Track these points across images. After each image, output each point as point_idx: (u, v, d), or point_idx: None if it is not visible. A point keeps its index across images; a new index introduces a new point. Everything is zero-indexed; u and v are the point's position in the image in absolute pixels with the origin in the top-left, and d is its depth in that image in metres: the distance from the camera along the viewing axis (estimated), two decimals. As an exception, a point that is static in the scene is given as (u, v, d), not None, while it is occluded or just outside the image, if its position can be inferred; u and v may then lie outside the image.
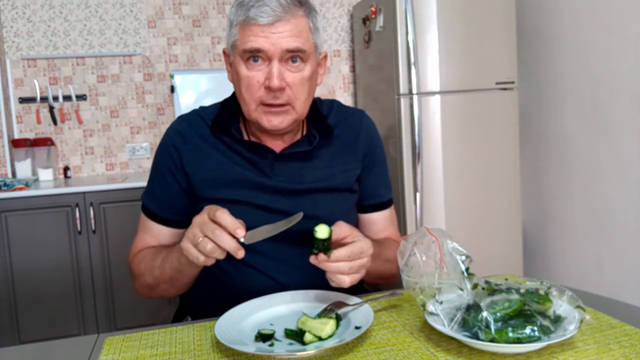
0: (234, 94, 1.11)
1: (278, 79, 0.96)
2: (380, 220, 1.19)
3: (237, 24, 0.97)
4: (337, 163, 1.11)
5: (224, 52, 1.07)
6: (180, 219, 1.11)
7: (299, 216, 0.87)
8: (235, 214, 1.05)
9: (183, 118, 1.13)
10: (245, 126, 1.10)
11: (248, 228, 1.05)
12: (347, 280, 0.85)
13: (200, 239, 0.82)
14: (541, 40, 2.79)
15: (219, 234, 0.81)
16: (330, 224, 1.07)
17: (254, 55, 0.96)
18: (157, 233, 1.12)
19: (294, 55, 0.97)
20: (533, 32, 2.84)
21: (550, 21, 2.71)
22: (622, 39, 2.29)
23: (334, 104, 1.18)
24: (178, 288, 1.04)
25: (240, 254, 0.82)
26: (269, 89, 0.97)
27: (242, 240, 0.83)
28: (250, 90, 0.98)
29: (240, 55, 0.98)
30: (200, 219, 0.84)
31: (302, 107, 1.02)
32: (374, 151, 1.17)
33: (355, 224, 1.17)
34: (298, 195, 1.07)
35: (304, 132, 1.12)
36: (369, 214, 1.18)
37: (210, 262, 0.84)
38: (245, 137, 1.09)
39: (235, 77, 1.02)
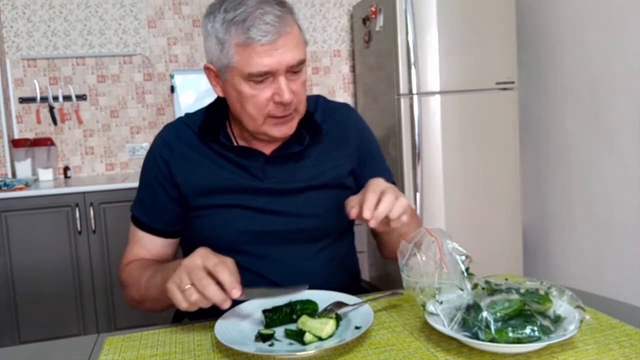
0: (217, 99, 1.10)
1: (288, 93, 0.95)
2: None
3: (233, 44, 0.93)
4: (327, 159, 1.11)
5: (207, 68, 1.02)
6: (172, 229, 1.10)
7: (302, 288, 0.85)
8: (229, 217, 1.05)
9: (170, 127, 1.12)
10: (233, 131, 1.09)
11: (244, 230, 1.05)
12: (399, 212, 0.85)
13: (187, 286, 0.80)
14: (541, 40, 2.79)
15: (206, 284, 0.78)
16: (324, 220, 1.07)
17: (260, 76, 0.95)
18: (148, 244, 1.10)
19: (296, 68, 0.97)
20: (533, 32, 2.84)
21: (550, 21, 2.71)
22: (622, 39, 2.29)
23: (319, 99, 1.17)
24: (163, 308, 1.02)
25: (226, 304, 0.80)
26: (279, 103, 0.96)
27: (235, 298, 0.80)
28: (258, 107, 0.97)
29: (241, 76, 0.95)
30: (191, 264, 0.81)
31: (303, 108, 1.03)
32: (367, 143, 1.17)
33: (351, 219, 1.16)
34: (291, 195, 1.07)
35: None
36: None
37: (193, 309, 0.81)
38: (234, 143, 1.08)
39: (235, 95, 0.99)
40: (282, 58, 0.93)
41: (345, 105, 1.20)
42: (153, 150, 1.10)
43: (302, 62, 0.96)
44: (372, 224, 0.84)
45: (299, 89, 0.98)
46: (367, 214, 0.84)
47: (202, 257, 0.82)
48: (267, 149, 1.07)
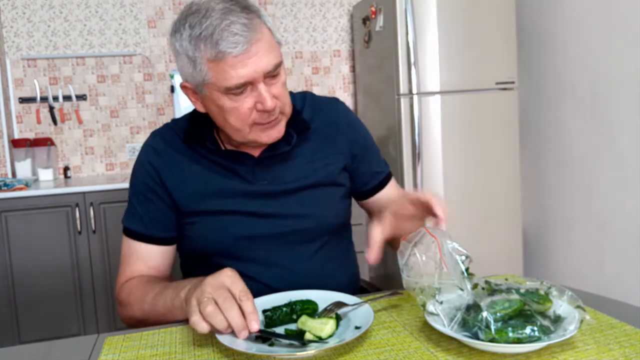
0: None
1: (271, 99, 0.93)
2: (387, 195, 1.17)
3: (205, 61, 0.90)
4: (317, 158, 1.09)
5: (184, 86, 0.99)
6: (168, 236, 1.08)
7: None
8: (223, 223, 1.04)
9: (156, 133, 1.10)
10: (220, 135, 1.07)
11: (238, 235, 1.04)
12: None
13: (208, 297, 0.78)
14: (541, 40, 2.79)
15: (230, 306, 0.77)
16: (318, 219, 1.07)
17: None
18: (145, 255, 1.07)
19: (274, 72, 0.94)
20: (533, 32, 2.84)
21: (550, 21, 2.71)
22: (623, 39, 2.29)
23: (306, 96, 1.15)
24: (165, 323, 0.99)
25: (244, 334, 0.77)
26: (262, 111, 0.94)
27: (252, 331, 0.78)
28: (241, 118, 0.94)
29: (219, 91, 0.92)
30: (218, 283, 0.80)
31: (289, 109, 1.01)
32: (358, 137, 1.15)
33: (346, 214, 1.16)
34: (283, 197, 1.05)
35: None
36: (375, 195, 1.17)
37: (203, 326, 0.78)
38: (222, 147, 1.06)
39: (216, 110, 0.96)
40: (257, 66, 0.90)
41: (333, 99, 1.17)
42: (141, 158, 1.08)
43: (278, 65, 0.93)
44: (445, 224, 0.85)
45: (280, 92, 0.96)
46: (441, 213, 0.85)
47: (230, 278, 0.81)
48: (256, 151, 1.05)
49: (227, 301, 0.78)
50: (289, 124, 1.05)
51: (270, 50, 0.92)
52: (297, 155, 1.07)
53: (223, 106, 0.94)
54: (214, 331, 0.80)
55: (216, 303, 0.78)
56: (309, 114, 1.11)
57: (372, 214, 1.20)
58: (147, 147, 1.09)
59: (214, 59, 0.89)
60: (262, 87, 0.92)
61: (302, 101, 1.13)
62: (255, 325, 0.77)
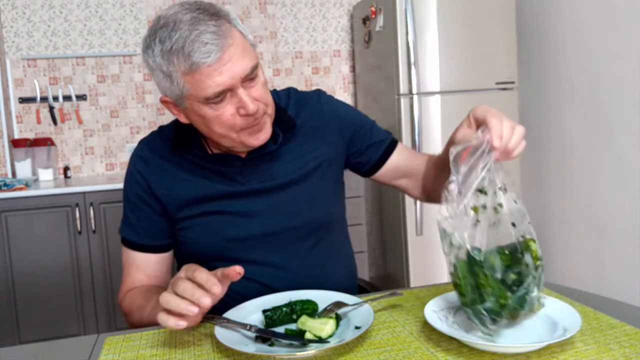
0: None
1: (252, 103, 0.92)
2: (400, 159, 1.15)
3: (180, 74, 0.89)
4: (307, 152, 1.08)
5: (164, 101, 0.98)
6: (162, 243, 1.09)
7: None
8: (215, 227, 1.04)
9: (144, 142, 1.11)
10: (206, 141, 1.06)
11: (231, 237, 1.04)
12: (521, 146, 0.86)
13: (166, 294, 0.80)
14: (541, 40, 2.79)
15: (184, 287, 0.78)
16: (311, 215, 1.06)
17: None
18: (143, 264, 1.09)
19: (251, 75, 0.93)
20: (533, 32, 2.84)
21: (550, 21, 2.71)
22: (623, 39, 2.29)
23: (290, 92, 1.15)
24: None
25: (205, 300, 0.77)
26: (245, 115, 0.93)
27: (216, 293, 0.78)
28: (225, 125, 0.94)
29: (199, 101, 0.91)
30: (174, 279, 0.82)
31: (272, 108, 1.01)
32: (346, 121, 1.13)
33: (339, 210, 1.16)
34: (274, 193, 1.05)
35: None
36: (387, 163, 1.15)
37: (166, 320, 0.79)
38: (209, 151, 1.06)
39: (199, 120, 0.96)
40: (233, 72, 0.88)
41: (314, 92, 1.16)
42: (130, 168, 1.09)
43: (255, 68, 0.92)
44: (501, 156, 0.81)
45: (261, 94, 0.95)
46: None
47: (183, 270, 0.82)
48: (243, 153, 1.05)
49: (181, 285, 0.78)
50: (275, 123, 1.04)
51: (244, 54, 0.91)
52: (286, 153, 1.07)
53: (205, 116, 0.93)
54: (214, 331, 0.80)
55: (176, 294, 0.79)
56: (294, 110, 1.11)
57: (396, 185, 1.18)
58: (135, 156, 1.09)
59: (189, 71, 0.88)
60: (241, 92, 0.91)
61: (287, 98, 1.13)
62: (216, 288, 0.77)
